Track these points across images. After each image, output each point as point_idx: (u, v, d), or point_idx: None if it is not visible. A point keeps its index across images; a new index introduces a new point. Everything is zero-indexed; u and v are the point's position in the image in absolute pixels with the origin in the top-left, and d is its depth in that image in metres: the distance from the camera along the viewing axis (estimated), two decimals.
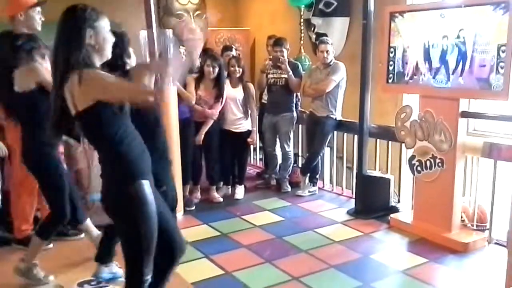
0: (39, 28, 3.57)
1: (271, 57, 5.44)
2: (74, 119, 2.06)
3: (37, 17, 3.56)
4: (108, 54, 2.15)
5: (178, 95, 4.60)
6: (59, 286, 3.20)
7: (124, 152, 2.09)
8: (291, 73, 5.10)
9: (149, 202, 2.09)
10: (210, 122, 4.87)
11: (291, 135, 5.41)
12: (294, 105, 5.33)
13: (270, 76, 5.31)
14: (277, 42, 5.25)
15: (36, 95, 3.03)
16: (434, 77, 3.83)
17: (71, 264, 3.51)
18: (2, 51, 3.36)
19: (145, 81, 2.28)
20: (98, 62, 2.11)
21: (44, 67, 3.04)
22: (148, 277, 2.18)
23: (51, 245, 3.67)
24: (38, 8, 3.56)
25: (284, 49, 5.18)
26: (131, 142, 2.11)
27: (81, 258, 3.61)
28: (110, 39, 2.14)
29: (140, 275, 2.15)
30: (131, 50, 2.77)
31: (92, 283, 3.20)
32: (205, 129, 4.84)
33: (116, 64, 2.63)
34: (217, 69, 4.79)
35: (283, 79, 5.20)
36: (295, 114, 5.33)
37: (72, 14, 2.05)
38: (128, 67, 2.76)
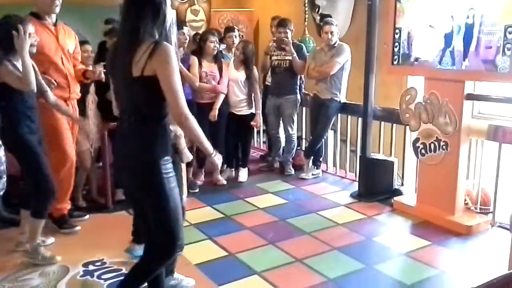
0: (56, 10, 3.55)
1: (274, 38, 5.39)
2: (134, 79, 2.06)
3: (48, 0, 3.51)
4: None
5: (182, 76, 4.58)
6: (65, 266, 3.22)
7: (165, 125, 2.17)
8: (295, 55, 5.06)
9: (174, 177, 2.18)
10: (222, 97, 4.88)
11: (295, 118, 5.39)
12: (298, 87, 5.30)
13: (274, 58, 5.27)
14: (281, 23, 5.20)
15: None
16: (439, 59, 3.79)
17: (75, 245, 3.55)
18: None
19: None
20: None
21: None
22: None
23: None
24: None
25: (288, 30, 5.14)
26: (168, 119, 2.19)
27: (86, 239, 3.66)
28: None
29: (175, 241, 2.22)
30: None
31: (97, 263, 3.24)
32: (218, 104, 4.84)
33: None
34: (217, 45, 4.87)
35: (287, 61, 5.16)
36: (298, 97, 5.30)
37: None
38: None
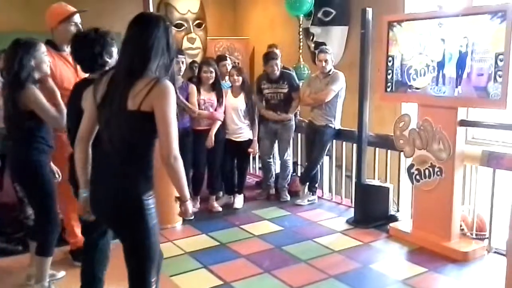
0: None
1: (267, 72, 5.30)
2: (129, 113, 2.04)
3: (73, 29, 3.36)
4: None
5: (181, 108, 4.65)
6: None
7: (151, 161, 2.14)
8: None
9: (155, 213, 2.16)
10: (218, 124, 4.90)
11: (291, 143, 5.41)
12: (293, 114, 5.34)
13: (266, 91, 5.26)
14: (268, 56, 5.21)
15: None
16: (432, 86, 3.84)
17: None
18: None
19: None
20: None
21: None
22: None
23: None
24: (76, 19, 3.38)
25: (278, 61, 5.17)
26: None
27: None
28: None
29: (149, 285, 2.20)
30: (114, 50, 2.67)
31: None
32: (213, 131, 4.86)
33: (95, 63, 2.61)
34: (213, 74, 4.86)
35: (281, 93, 5.20)
36: (293, 122, 5.34)
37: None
38: (107, 67, 2.65)
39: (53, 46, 3.42)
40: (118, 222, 2.19)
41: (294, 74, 5.53)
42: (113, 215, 2.18)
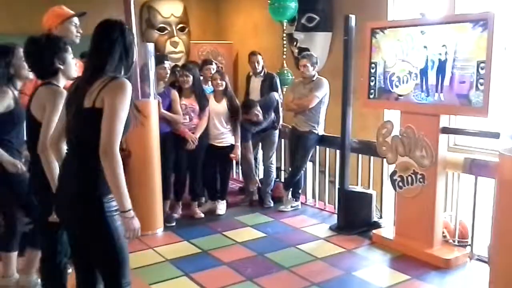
0: (76, 40, 3.41)
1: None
2: (84, 111, 2.03)
3: (74, 29, 3.41)
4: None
5: (166, 120, 4.61)
6: None
7: None
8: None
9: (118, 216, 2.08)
10: (202, 128, 4.86)
11: (274, 148, 5.40)
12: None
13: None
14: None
15: None
16: (414, 93, 3.85)
17: None
18: None
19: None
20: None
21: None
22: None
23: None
24: (76, 21, 3.42)
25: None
26: None
27: None
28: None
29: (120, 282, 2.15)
30: (68, 56, 2.61)
31: None
32: (198, 134, 4.81)
33: (45, 69, 2.57)
34: (190, 78, 4.78)
35: None
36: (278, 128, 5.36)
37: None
38: (61, 73, 2.62)
39: None
40: (80, 225, 2.13)
41: (276, 77, 5.62)
42: (75, 218, 2.12)
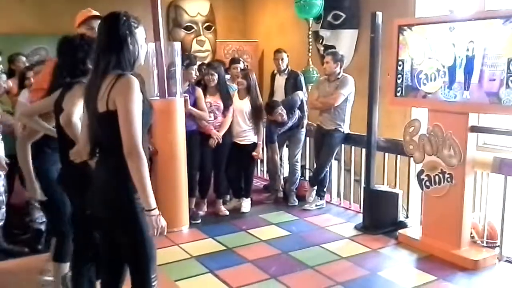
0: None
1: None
2: (100, 116, 2.06)
3: (89, 32, 3.33)
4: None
5: (193, 116, 4.66)
6: None
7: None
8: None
9: None
10: (227, 126, 4.92)
11: (300, 146, 5.40)
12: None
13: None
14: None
15: None
16: (443, 91, 3.79)
17: None
18: None
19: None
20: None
21: None
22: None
23: None
24: (92, 24, 3.39)
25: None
26: None
27: None
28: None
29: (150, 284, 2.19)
30: None
31: None
32: (222, 132, 4.87)
33: (76, 69, 2.60)
34: (215, 77, 4.83)
35: None
36: (305, 126, 5.36)
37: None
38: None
39: None
40: (114, 223, 2.17)
41: (301, 75, 5.62)
42: (108, 217, 2.17)
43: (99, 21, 2.97)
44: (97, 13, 3.46)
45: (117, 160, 2.04)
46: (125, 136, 1.98)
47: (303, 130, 5.34)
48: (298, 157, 5.41)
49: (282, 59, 5.56)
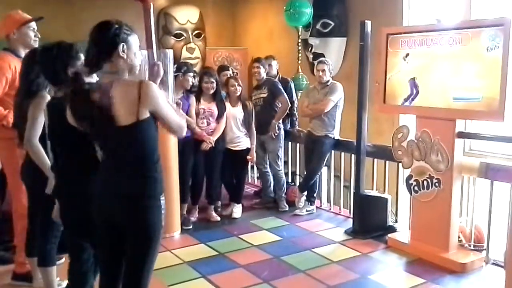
0: (35, 45, 3.41)
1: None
2: (126, 129, 2.07)
3: (31, 34, 3.45)
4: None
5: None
6: None
7: (160, 165, 2.19)
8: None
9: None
10: (220, 131, 4.95)
11: (281, 154, 5.44)
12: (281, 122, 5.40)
13: (253, 98, 5.43)
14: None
15: None
16: (430, 98, 3.87)
17: None
18: None
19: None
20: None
21: None
22: None
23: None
24: (33, 25, 3.46)
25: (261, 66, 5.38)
26: None
27: None
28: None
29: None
30: (80, 62, 2.54)
31: None
32: (216, 136, 4.91)
33: (57, 78, 2.55)
34: (214, 84, 4.89)
35: (261, 98, 5.35)
36: (282, 132, 5.39)
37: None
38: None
39: (13, 52, 3.45)
40: (134, 225, 2.19)
41: (291, 82, 5.73)
42: (128, 219, 2.17)
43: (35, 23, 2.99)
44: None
45: (145, 168, 2.13)
46: (173, 128, 2.20)
47: (279, 134, 5.34)
48: (280, 164, 5.44)
49: (270, 65, 5.62)
